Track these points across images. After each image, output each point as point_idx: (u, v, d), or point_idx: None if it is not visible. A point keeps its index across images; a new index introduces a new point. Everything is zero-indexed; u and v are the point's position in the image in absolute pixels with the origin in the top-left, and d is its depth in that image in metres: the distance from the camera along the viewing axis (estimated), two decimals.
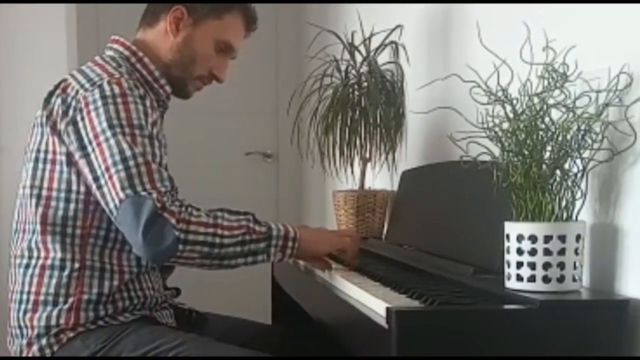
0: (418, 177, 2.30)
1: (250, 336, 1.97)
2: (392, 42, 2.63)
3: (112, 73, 1.78)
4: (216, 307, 2.23)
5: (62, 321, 1.73)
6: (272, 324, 2.57)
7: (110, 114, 1.71)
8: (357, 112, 2.56)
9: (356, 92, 2.58)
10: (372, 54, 2.60)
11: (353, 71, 2.61)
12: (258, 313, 2.62)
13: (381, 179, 2.72)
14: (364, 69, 2.59)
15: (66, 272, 1.75)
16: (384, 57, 2.63)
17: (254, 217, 1.76)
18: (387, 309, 1.33)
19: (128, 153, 1.68)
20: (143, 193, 1.65)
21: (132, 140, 1.69)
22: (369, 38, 2.63)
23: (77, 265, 1.75)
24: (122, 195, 1.66)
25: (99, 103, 1.72)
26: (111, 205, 1.68)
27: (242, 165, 4.41)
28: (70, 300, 1.74)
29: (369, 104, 2.50)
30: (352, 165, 2.60)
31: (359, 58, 2.63)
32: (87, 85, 1.76)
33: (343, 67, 2.63)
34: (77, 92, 1.76)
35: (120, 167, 1.67)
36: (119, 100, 1.72)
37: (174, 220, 1.64)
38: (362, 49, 2.63)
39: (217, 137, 4.35)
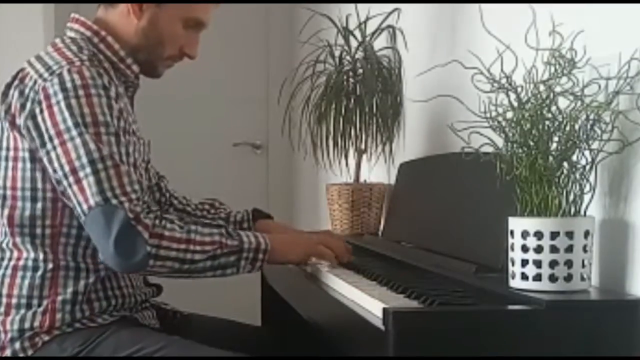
0: (417, 170, 2.30)
1: (238, 338, 1.97)
2: (389, 26, 2.63)
3: (72, 60, 1.74)
4: (202, 307, 2.23)
5: (36, 324, 1.72)
6: (261, 326, 2.57)
7: (73, 109, 1.68)
8: (352, 101, 2.56)
9: (351, 80, 2.58)
10: (367, 38, 2.60)
11: (348, 57, 2.61)
12: (247, 313, 2.62)
13: (377, 171, 2.72)
14: (360, 54, 2.59)
15: (39, 273, 1.75)
16: (380, 42, 2.63)
17: (227, 230, 1.77)
18: (384, 310, 1.33)
19: (96, 155, 1.67)
20: (114, 202, 1.65)
21: (98, 139, 1.68)
22: (365, 22, 2.62)
23: (50, 265, 1.75)
24: (91, 202, 1.66)
25: (60, 96, 1.69)
26: (78, 209, 1.68)
27: (230, 157, 4.40)
28: (45, 302, 1.74)
29: (365, 92, 2.49)
30: (346, 157, 2.59)
31: (354, 43, 2.62)
32: (45, 75, 1.72)
33: (337, 53, 2.62)
34: (35, 82, 1.73)
35: (88, 170, 1.67)
36: (80, 92, 1.69)
37: (146, 235, 1.65)
38: (357, 33, 2.63)
39: (203, 127, 4.34)
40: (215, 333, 1.97)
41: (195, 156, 4.29)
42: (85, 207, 1.66)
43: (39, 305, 1.73)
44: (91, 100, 1.69)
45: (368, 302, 1.47)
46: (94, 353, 1.72)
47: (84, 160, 1.66)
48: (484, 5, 1.78)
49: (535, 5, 1.61)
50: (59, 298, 1.74)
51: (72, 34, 1.87)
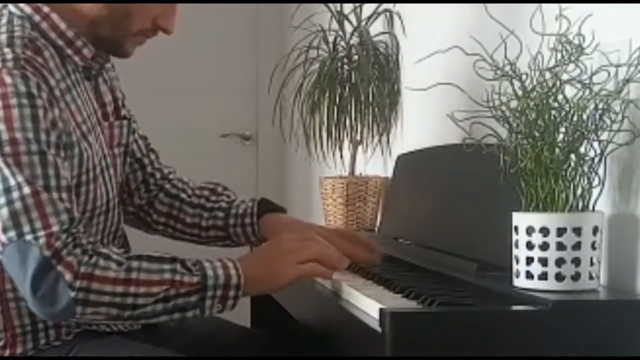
0: (415, 162, 2.29)
1: (229, 342, 1.95)
2: (386, 10, 2.62)
3: None
4: None
5: None
6: (251, 327, 2.56)
7: None
8: (347, 89, 2.56)
9: (346, 67, 2.58)
10: (363, 23, 2.60)
11: (342, 43, 2.61)
12: (236, 315, 2.61)
13: (374, 164, 2.72)
14: (355, 40, 2.59)
15: None
16: (377, 27, 2.62)
17: (183, 263, 1.54)
18: (381, 311, 1.32)
19: (12, 182, 1.47)
20: (29, 237, 1.45)
21: (15, 161, 1.48)
22: (360, 5, 2.62)
23: None
24: (3, 238, 1.47)
25: None
26: None
27: (217, 149, 4.39)
28: (3, 335, 1.62)
29: (360, 80, 2.49)
30: (341, 148, 2.59)
31: (348, 28, 2.62)
32: None
33: (331, 38, 2.62)
34: None
35: (2, 200, 1.47)
36: None
37: (69, 277, 1.44)
38: (352, 17, 2.63)
39: (188, 117, 4.33)
40: (206, 335, 1.94)
41: (180, 148, 4.26)
42: None
43: None
44: (9, 114, 1.48)
45: (364, 302, 1.47)
46: None
47: None
48: None
49: None
50: (18, 331, 1.62)
51: (12, 8, 1.64)
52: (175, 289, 1.50)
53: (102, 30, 1.65)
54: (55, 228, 1.46)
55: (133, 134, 1.90)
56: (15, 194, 1.47)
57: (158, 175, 2.00)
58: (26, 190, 1.47)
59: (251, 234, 1.92)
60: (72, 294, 1.44)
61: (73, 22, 1.64)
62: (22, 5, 1.63)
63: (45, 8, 1.63)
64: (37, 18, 1.63)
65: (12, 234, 1.46)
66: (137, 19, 1.65)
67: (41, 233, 1.45)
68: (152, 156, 2.00)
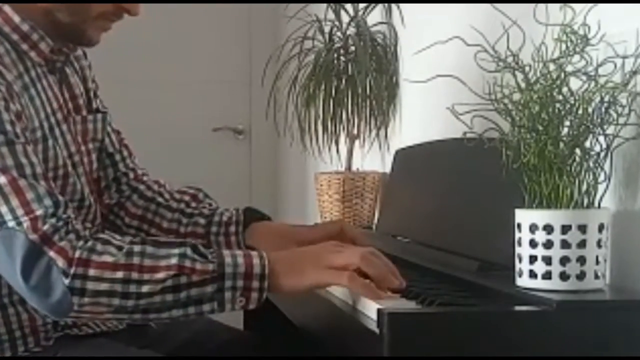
0: (414, 157, 2.29)
1: (220, 344, 1.94)
2: None
3: None
4: None
5: None
6: (244, 330, 2.56)
7: None
8: (343, 81, 2.56)
9: (342, 58, 2.58)
10: (360, 13, 2.60)
11: (338, 33, 2.61)
12: (228, 317, 2.61)
13: (371, 159, 2.72)
14: (352, 30, 2.58)
15: None
16: (374, 17, 2.62)
17: (194, 247, 1.44)
18: (379, 311, 1.32)
19: None
20: (12, 223, 1.41)
21: None
22: None
23: None
24: None
25: None
26: None
27: (209, 144, 4.39)
28: None
29: (357, 72, 2.49)
30: (337, 143, 2.59)
31: (345, 18, 2.62)
32: None
33: (327, 29, 2.62)
34: None
35: None
36: None
37: (62, 263, 1.38)
38: (349, 7, 2.62)
39: (180, 111, 4.33)
40: (195, 336, 1.94)
41: (171, 142, 4.28)
42: None
43: None
44: None
45: (361, 302, 1.47)
46: None
47: None
48: None
49: None
50: None
51: None
52: (186, 277, 1.40)
53: (60, 17, 1.60)
54: (39, 212, 1.42)
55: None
56: None
57: (131, 175, 1.92)
58: (1, 179, 1.44)
59: (235, 244, 1.84)
60: (67, 281, 1.38)
61: (28, 13, 1.60)
62: None
63: None
64: None
65: None
66: (96, 2, 1.60)
67: (24, 218, 1.41)
68: (125, 152, 1.93)
